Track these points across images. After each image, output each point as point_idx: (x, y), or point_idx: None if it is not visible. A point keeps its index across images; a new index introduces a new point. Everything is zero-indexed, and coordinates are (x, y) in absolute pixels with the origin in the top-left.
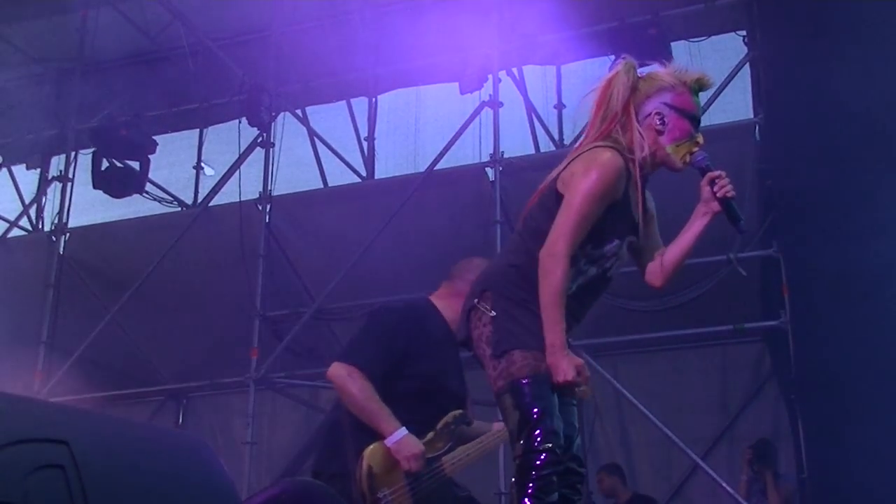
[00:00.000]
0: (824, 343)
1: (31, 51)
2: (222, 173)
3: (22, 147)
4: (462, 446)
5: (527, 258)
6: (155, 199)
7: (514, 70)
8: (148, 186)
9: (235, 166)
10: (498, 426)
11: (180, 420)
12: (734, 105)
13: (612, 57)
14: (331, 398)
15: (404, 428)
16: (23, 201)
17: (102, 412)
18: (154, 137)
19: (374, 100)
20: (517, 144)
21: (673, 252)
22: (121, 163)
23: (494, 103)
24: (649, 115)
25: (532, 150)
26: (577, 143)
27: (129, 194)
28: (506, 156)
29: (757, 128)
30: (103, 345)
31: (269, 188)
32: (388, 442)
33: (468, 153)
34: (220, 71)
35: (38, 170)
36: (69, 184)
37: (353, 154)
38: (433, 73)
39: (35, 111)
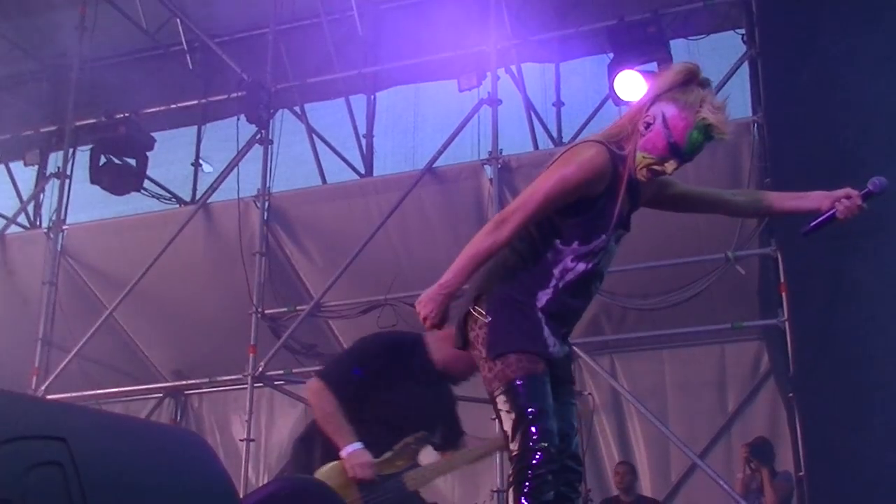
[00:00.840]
0: (822, 341)
1: (29, 47)
2: (221, 170)
3: (20, 143)
4: (431, 462)
5: (517, 259)
6: (153, 196)
7: (513, 68)
8: (146, 183)
9: (234, 163)
10: (474, 443)
11: (178, 417)
12: (733, 103)
13: (611, 55)
14: None
15: (360, 444)
16: (20, 198)
17: (100, 409)
18: (152, 134)
19: (372, 97)
20: (516, 142)
21: (766, 206)
22: (119, 159)
23: (493, 101)
24: (647, 114)
25: (531, 148)
26: None
27: (127, 191)
28: (504, 153)
29: (755, 126)
30: (101, 342)
31: (267, 185)
32: (342, 454)
33: (467, 151)
34: (219, 68)
35: (36, 166)
36: (67, 180)
37: (351, 151)
38: (432, 71)
39: (33, 107)
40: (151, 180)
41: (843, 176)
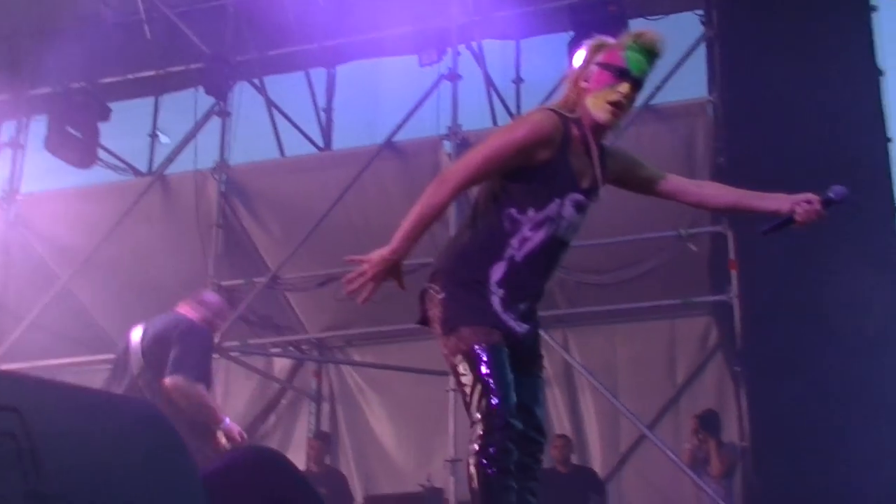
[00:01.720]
0: (768, 317)
1: None
2: (178, 142)
3: None
4: None
5: (474, 233)
6: (109, 167)
7: (474, 44)
8: (102, 154)
9: (192, 135)
10: None
11: None
12: (689, 83)
13: (572, 33)
14: (284, 367)
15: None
16: None
17: (54, 380)
18: (109, 105)
19: (332, 71)
20: (475, 118)
21: (728, 202)
22: (74, 129)
23: (453, 76)
24: (585, 74)
25: (490, 124)
26: None
27: (83, 162)
28: (464, 129)
29: (710, 106)
30: (55, 312)
31: (225, 157)
32: (223, 426)
33: (426, 125)
34: (177, 39)
35: None
36: (21, 150)
37: (310, 125)
38: (392, 46)
39: None
40: (108, 151)
41: (793, 156)
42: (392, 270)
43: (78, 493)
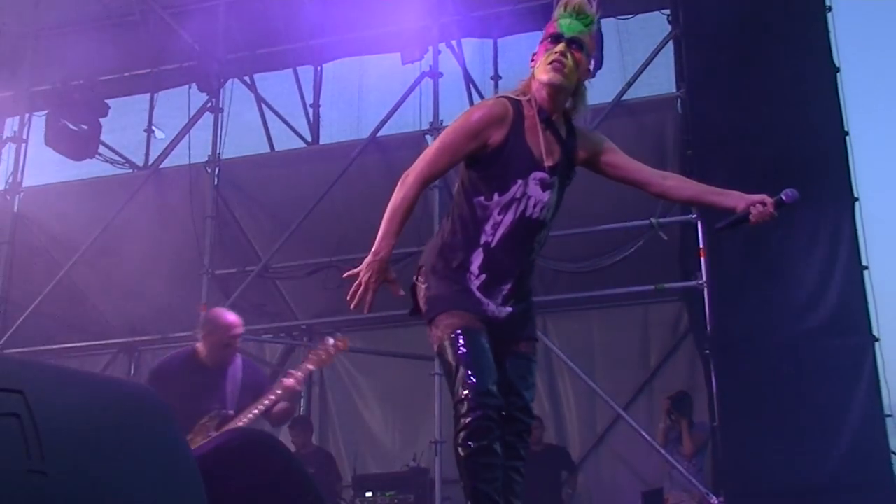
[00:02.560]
0: (737, 302)
1: None
2: (173, 137)
3: None
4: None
5: (452, 226)
6: (107, 161)
7: (454, 42)
8: (101, 148)
9: (185, 130)
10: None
11: (132, 372)
12: (658, 80)
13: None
14: (276, 353)
15: None
16: None
17: (57, 364)
18: (106, 101)
19: (319, 68)
20: (455, 113)
21: (689, 195)
22: (74, 125)
23: (434, 74)
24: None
25: None
26: None
27: (82, 156)
28: (444, 124)
29: (678, 101)
30: (57, 300)
31: (217, 151)
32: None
33: (409, 121)
34: (171, 38)
35: None
36: (23, 144)
37: (298, 120)
38: (376, 44)
39: None
40: (105, 145)
41: (757, 148)
42: (382, 272)
43: (78, 470)
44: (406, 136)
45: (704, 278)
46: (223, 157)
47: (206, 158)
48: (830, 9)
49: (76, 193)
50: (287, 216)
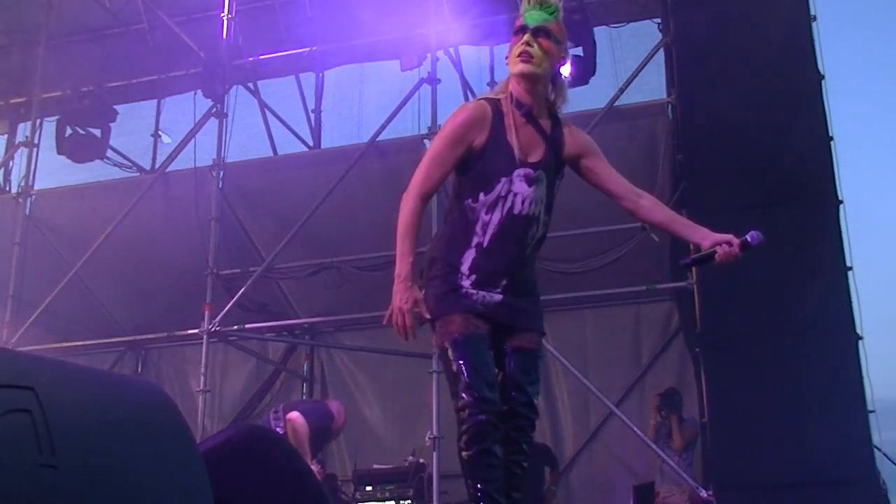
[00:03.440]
0: (725, 302)
1: None
2: (179, 141)
3: None
4: None
5: (447, 231)
6: (115, 165)
7: (451, 49)
8: (109, 153)
9: (191, 135)
10: None
11: (139, 369)
12: (650, 86)
13: None
14: (278, 351)
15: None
16: None
17: (67, 361)
18: (115, 107)
19: (320, 75)
20: None
21: (659, 219)
22: (83, 130)
23: (432, 80)
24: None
25: None
26: None
27: (91, 160)
28: None
29: (669, 107)
30: (67, 299)
31: (222, 155)
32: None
33: (408, 126)
34: (177, 45)
35: (6, 135)
36: (35, 149)
37: (300, 125)
38: (376, 51)
39: (2, 80)
40: (114, 150)
41: (744, 152)
42: (409, 291)
43: (87, 465)
44: (405, 140)
45: (695, 279)
46: (228, 160)
47: (211, 162)
48: (815, 18)
49: (85, 196)
50: (289, 218)
